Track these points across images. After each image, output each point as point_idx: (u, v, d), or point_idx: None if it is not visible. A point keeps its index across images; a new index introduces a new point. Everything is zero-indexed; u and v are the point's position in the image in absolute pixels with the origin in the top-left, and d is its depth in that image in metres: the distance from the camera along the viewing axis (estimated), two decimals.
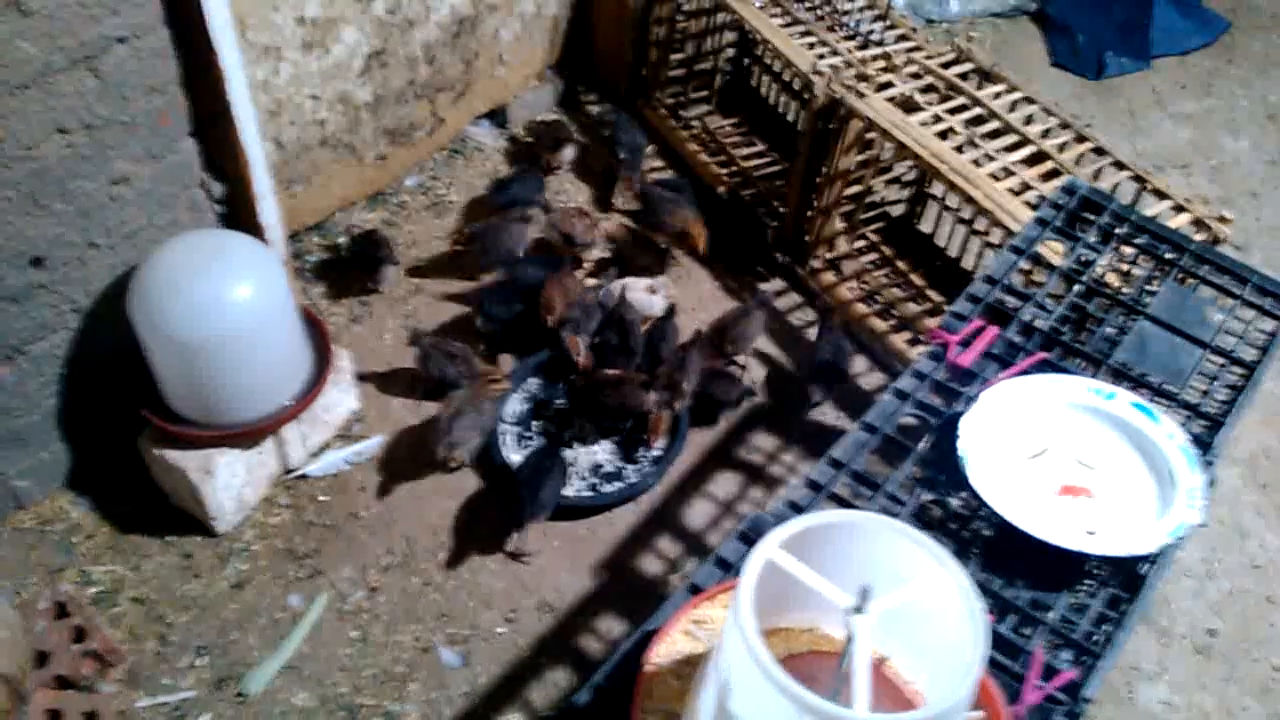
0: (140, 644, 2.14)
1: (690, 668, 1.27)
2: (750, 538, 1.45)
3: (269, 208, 2.33)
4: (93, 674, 2.03)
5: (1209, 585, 2.53)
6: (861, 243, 3.06)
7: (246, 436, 2.24)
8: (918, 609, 1.09)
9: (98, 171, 2.03)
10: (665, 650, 1.29)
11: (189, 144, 2.18)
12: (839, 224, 2.96)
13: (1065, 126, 2.68)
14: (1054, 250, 1.99)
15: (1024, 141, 2.59)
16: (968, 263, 2.94)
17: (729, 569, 1.42)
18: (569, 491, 2.43)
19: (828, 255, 2.98)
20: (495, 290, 2.70)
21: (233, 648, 2.16)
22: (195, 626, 2.18)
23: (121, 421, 2.27)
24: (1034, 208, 2.37)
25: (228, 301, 2.06)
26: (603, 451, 2.54)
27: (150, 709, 2.05)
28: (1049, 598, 1.47)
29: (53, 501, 2.31)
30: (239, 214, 2.33)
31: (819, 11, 3.07)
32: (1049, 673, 1.36)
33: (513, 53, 3.17)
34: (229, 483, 2.24)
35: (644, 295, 2.75)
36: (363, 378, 2.59)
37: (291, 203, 2.69)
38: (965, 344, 1.74)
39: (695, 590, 1.38)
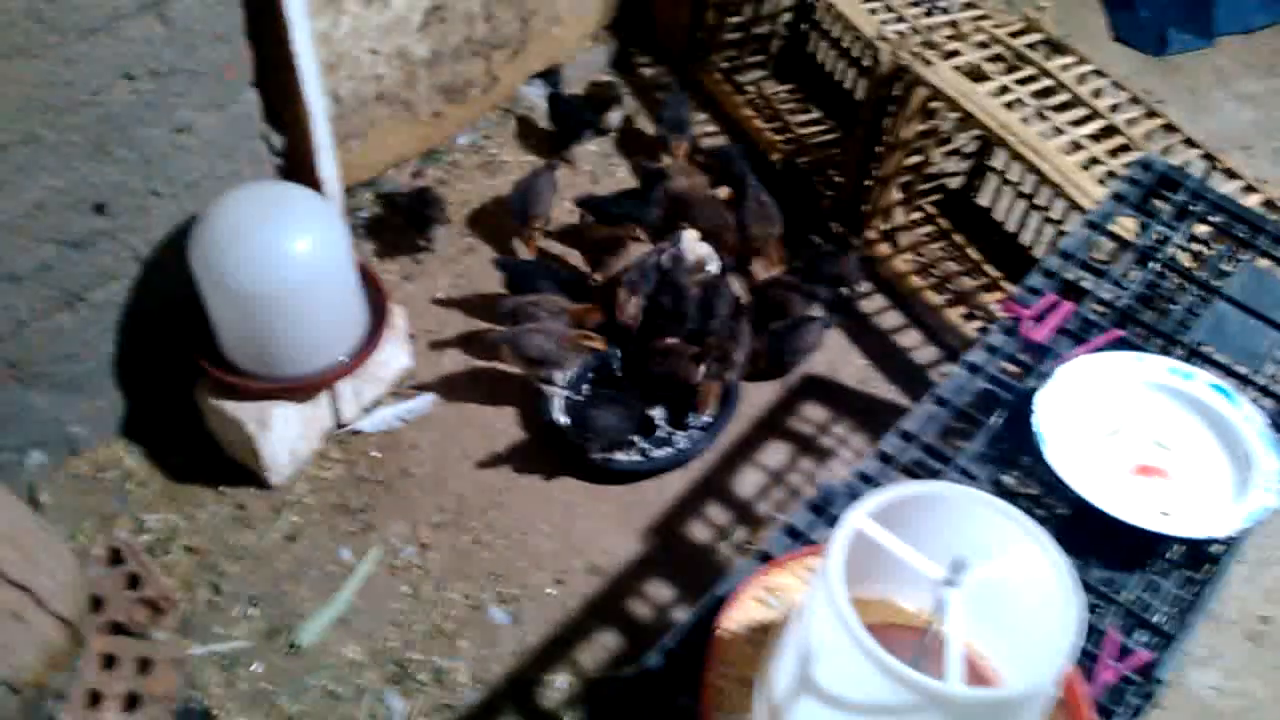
0: (193, 593, 2.15)
1: (763, 634, 1.26)
2: (821, 508, 1.44)
3: (328, 161, 2.32)
4: (146, 621, 2.04)
5: (1262, 572, 2.50)
6: (918, 214, 3.02)
7: (302, 390, 2.24)
8: (999, 584, 1.07)
9: (162, 119, 2.02)
10: (737, 616, 1.28)
11: (251, 94, 2.17)
12: (896, 195, 2.92)
13: (1135, 101, 2.62)
14: (1128, 227, 1.95)
15: (1093, 115, 2.54)
16: (1026, 238, 2.90)
17: (799, 538, 1.40)
18: (621, 456, 2.42)
19: (883, 226, 2.94)
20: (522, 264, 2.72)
21: (285, 599, 2.17)
22: (248, 577, 2.19)
23: (178, 371, 2.27)
24: (1102, 182, 2.33)
25: (288, 254, 2.06)
26: (655, 417, 2.52)
27: (203, 657, 2.06)
28: (1122, 577, 1.45)
29: (108, 448, 2.33)
30: (298, 167, 2.32)
31: None
32: (1123, 652, 1.34)
33: (569, 11, 3.13)
34: (283, 435, 2.25)
35: (698, 253, 2.72)
36: (415, 335, 2.58)
37: (346, 157, 2.66)
38: (1039, 318, 1.71)
39: (766, 558, 1.37)
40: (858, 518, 1.05)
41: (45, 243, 1.97)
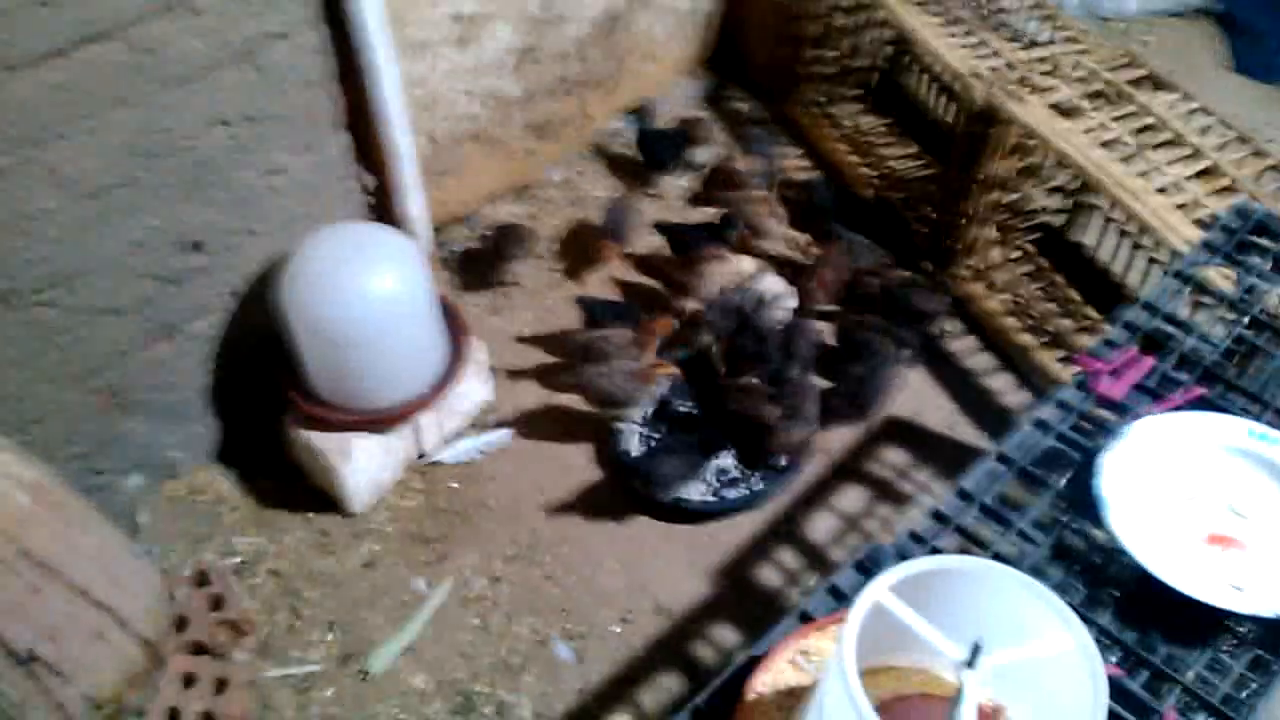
0: (273, 616, 2.23)
1: (794, 699, 1.24)
2: (867, 568, 1.41)
3: (416, 201, 2.39)
4: (227, 642, 2.12)
5: None
6: (1013, 252, 2.94)
7: (384, 422, 2.31)
8: (1039, 659, 1.04)
9: (256, 162, 2.12)
10: (770, 678, 1.26)
11: (342, 137, 2.25)
12: (991, 232, 2.85)
13: (1244, 140, 2.51)
14: (1222, 277, 1.86)
15: (1197, 154, 2.44)
16: (1129, 279, 2.79)
17: (842, 599, 1.38)
18: (694, 495, 2.41)
19: (976, 264, 2.87)
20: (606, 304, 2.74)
21: (360, 625, 2.23)
22: (326, 602, 2.26)
23: (267, 401, 2.37)
24: (1202, 225, 2.23)
25: (373, 293, 2.13)
26: (729, 457, 2.51)
27: (278, 679, 2.13)
28: (1187, 654, 1.37)
29: (203, 473, 2.43)
30: (387, 206, 2.40)
31: (981, 10, 2.94)
32: None
33: (662, 49, 3.16)
34: (365, 466, 2.32)
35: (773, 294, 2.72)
36: (497, 369, 2.63)
37: (439, 195, 2.74)
38: (1116, 373, 1.65)
39: (805, 618, 1.35)
40: (878, 590, 1.03)
41: (145, 279, 2.08)
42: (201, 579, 2.18)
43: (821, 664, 1.28)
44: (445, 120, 2.71)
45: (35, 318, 1.95)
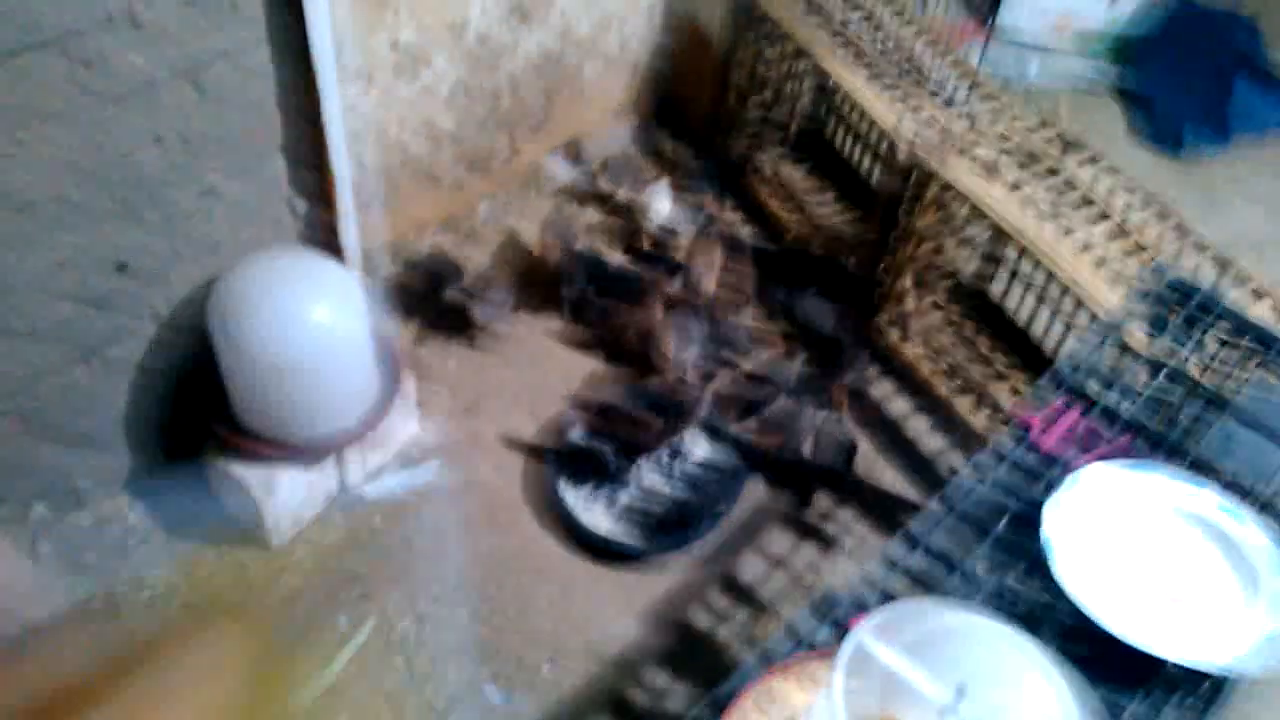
0: None
1: None
2: (823, 612, 1.43)
3: (351, 229, 2.35)
4: None
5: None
6: (930, 303, 3.04)
7: (311, 455, 2.25)
8: (1006, 707, 1.07)
9: (189, 182, 2.05)
10: None
11: (278, 161, 2.20)
12: (909, 283, 2.94)
13: (1149, 202, 2.65)
14: (1140, 336, 1.96)
15: (1106, 214, 2.56)
16: (1036, 331, 2.91)
17: (801, 642, 1.40)
18: (621, 536, 2.41)
19: (896, 312, 2.96)
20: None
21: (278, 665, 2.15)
22: None
23: (186, 429, 2.28)
24: (1118, 283, 2.35)
25: (307, 322, 2.08)
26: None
27: None
28: (1123, 698, 1.43)
29: (112, 502, 2.32)
30: (321, 234, 2.35)
31: (904, 67, 3.05)
32: None
33: (594, 89, 3.19)
34: (289, 499, 2.25)
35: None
36: (425, 403, 2.59)
37: (368, 223, 2.69)
38: (1048, 426, 1.72)
39: (768, 660, 1.36)
40: (862, 636, 1.05)
41: (66, 300, 1.99)
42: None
43: (786, 707, 1.30)
44: (377, 148, 2.68)
45: None
